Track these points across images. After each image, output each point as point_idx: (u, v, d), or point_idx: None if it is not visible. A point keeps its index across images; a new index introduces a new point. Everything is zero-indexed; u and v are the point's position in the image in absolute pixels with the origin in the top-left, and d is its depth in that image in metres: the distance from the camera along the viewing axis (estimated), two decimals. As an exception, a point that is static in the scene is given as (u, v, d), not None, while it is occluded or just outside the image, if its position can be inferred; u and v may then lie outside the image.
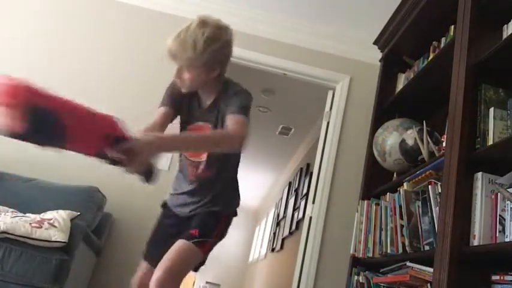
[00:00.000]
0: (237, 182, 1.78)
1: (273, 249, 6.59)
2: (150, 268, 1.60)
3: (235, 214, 1.80)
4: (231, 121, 1.46)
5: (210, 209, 1.67)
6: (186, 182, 1.72)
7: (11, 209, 2.38)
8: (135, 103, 3.24)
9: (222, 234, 1.71)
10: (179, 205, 1.75)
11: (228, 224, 1.74)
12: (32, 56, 3.26)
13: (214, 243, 1.63)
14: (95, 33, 3.36)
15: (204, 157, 1.64)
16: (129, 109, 3.29)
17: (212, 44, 1.58)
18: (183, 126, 1.70)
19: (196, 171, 1.67)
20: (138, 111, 3.25)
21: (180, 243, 1.51)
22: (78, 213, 2.39)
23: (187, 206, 1.71)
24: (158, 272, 1.43)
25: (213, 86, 1.65)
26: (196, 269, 1.63)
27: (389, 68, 2.77)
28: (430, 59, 2.30)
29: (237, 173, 1.77)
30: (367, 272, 2.27)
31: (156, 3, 3.43)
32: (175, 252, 1.48)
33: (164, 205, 1.85)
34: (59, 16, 3.38)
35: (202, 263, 1.63)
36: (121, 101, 3.23)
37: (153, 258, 1.59)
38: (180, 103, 1.68)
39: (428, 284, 1.64)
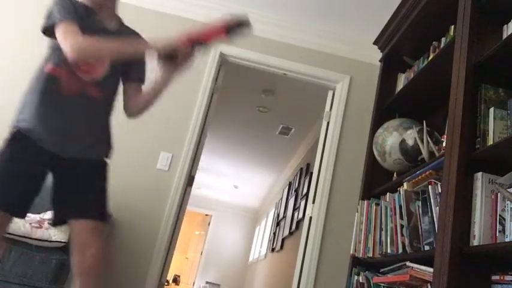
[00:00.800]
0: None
1: (273, 249, 6.60)
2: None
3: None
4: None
5: (100, 157, 1.58)
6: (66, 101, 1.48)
7: (11, 209, 2.38)
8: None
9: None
10: (58, 133, 1.47)
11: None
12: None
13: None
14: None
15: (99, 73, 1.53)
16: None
17: None
18: None
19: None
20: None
21: (94, 226, 1.51)
22: (78, 213, 2.39)
23: (75, 139, 1.50)
24: (90, 260, 1.43)
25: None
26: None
27: (389, 68, 2.77)
28: (430, 59, 2.30)
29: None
30: (367, 272, 2.27)
31: (155, 3, 3.43)
32: (97, 238, 1.48)
33: (18, 135, 1.48)
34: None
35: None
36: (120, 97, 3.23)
37: (15, 208, 1.46)
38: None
39: (428, 284, 1.64)
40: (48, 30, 1.50)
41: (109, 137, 1.63)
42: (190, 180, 3.17)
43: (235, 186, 9.01)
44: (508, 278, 1.36)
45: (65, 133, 1.49)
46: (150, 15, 3.42)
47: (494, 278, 1.40)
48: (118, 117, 3.27)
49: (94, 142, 1.56)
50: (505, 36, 1.68)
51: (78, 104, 1.49)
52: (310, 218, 3.17)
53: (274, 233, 6.77)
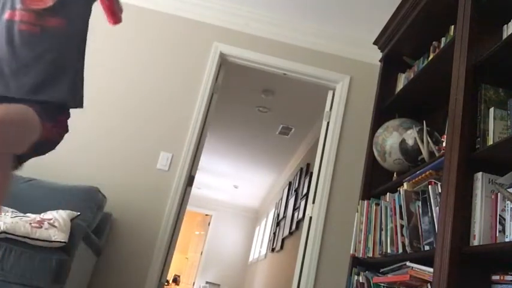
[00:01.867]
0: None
1: (273, 249, 6.60)
2: None
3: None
4: None
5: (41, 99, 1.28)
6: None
7: (11, 209, 2.38)
8: (136, 99, 3.25)
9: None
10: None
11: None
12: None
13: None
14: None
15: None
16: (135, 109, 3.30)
17: None
18: None
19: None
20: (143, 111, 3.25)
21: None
22: (78, 213, 2.39)
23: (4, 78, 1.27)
24: None
25: None
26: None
27: (389, 68, 2.77)
28: (430, 59, 2.30)
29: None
30: (367, 272, 2.27)
31: (155, 3, 3.43)
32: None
33: None
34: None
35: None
36: (124, 100, 3.23)
37: None
38: None
39: (428, 284, 1.64)
40: None
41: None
42: (190, 180, 3.17)
43: (235, 186, 9.01)
44: (508, 278, 1.36)
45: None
46: (149, 15, 3.42)
47: (494, 278, 1.40)
48: (117, 117, 3.28)
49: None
50: (505, 36, 1.69)
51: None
52: (310, 218, 3.17)
53: (274, 233, 6.77)
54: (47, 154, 3.31)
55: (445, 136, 1.81)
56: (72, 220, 2.30)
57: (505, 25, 1.72)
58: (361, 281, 2.27)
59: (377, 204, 2.28)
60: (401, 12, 2.49)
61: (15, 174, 1.19)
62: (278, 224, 6.55)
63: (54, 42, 1.30)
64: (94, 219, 2.63)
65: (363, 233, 2.32)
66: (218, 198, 10.40)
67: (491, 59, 1.63)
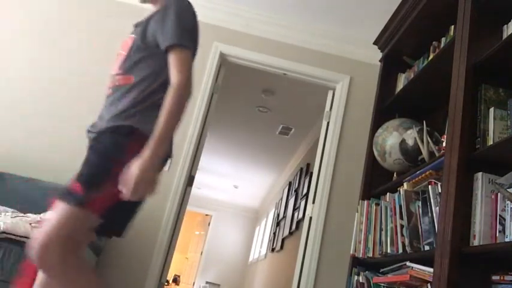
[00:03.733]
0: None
1: (273, 249, 6.60)
2: None
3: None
4: (171, 63, 1.36)
5: (106, 126, 1.36)
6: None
7: (11, 209, 2.38)
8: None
9: (118, 163, 1.30)
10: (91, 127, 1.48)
11: (122, 148, 1.35)
12: (33, 56, 3.27)
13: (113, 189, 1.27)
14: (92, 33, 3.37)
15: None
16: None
17: None
18: None
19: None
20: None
21: (54, 209, 1.22)
22: (78, 213, 2.39)
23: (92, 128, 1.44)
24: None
25: (159, 3, 1.51)
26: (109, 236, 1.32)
27: (389, 68, 2.77)
28: (430, 59, 2.30)
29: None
30: (367, 272, 2.27)
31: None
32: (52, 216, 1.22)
33: None
34: (60, 17, 3.39)
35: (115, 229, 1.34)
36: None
37: None
38: None
39: (428, 284, 1.64)
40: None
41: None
42: (190, 180, 3.17)
43: (235, 186, 9.01)
44: (508, 278, 1.36)
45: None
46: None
47: (494, 278, 1.40)
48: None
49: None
50: (505, 36, 1.69)
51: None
52: (310, 218, 3.17)
53: (274, 233, 6.77)
54: (47, 154, 3.31)
55: (445, 136, 1.81)
56: (72, 220, 2.30)
57: (505, 25, 1.72)
58: (361, 281, 2.27)
59: (377, 204, 2.28)
60: (401, 12, 2.49)
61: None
62: (278, 224, 6.55)
63: (116, 96, 1.42)
64: (94, 219, 2.63)
65: (363, 233, 2.32)
66: (218, 198, 10.39)
67: (491, 59, 1.63)
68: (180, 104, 1.32)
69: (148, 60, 1.42)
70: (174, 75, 1.34)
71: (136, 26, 1.57)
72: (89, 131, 1.50)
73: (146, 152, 1.27)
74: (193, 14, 1.45)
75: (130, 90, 1.40)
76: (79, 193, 1.23)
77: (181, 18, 1.39)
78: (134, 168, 1.25)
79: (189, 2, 1.46)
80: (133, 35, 1.51)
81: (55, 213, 1.21)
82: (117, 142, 1.35)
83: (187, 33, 1.39)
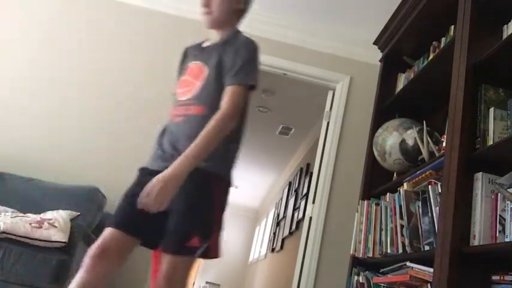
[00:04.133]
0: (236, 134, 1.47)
1: (273, 249, 6.60)
2: (118, 234, 1.37)
3: (230, 181, 1.41)
4: (227, 93, 1.40)
5: (198, 167, 1.31)
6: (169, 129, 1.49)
7: (11, 209, 2.38)
8: (136, 99, 3.25)
9: (222, 208, 1.36)
10: (158, 158, 1.45)
11: (225, 193, 1.39)
12: (33, 56, 3.27)
13: (219, 231, 1.33)
14: (93, 33, 3.37)
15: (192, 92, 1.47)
16: (130, 99, 3.30)
17: None
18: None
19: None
20: (138, 103, 3.26)
21: (176, 263, 1.28)
22: (78, 213, 2.39)
23: (171, 159, 1.35)
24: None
25: (225, 29, 1.59)
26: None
27: (389, 68, 2.77)
28: (430, 59, 2.30)
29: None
30: (367, 272, 2.27)
31: (155, 2, 3.43)
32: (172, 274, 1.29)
33: (140, 169, 1.50)
34: (61, 18, 3.39)
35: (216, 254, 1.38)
36: (124, 100, 3.23)
37: (127, 225, 1.38)
38: (180, 74, 1.62)
39: (428, 284, 1.64)
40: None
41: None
42: (190, 180, 3.16)
43: (235, 186, 9.01)
44: (508, 278, 1.36)
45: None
46: (149, 15, 3.42)
47: (494, 278, 1.40)
48: (117, 117, 3.28)
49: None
50: (505, 36, 1.69)
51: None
52: (310, 218, 3.16)
53: (274, 233, 6.77)
54: (46, 154, 3.32)
55: (445, 136, 1.81)
56: (72, 220, 2.31)
57: (505, 25, 1.72)
58: (361, 281, 2.27)
59: (377, 204, 2.28)
60: (401, 12, 2.49)
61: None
62: (278, 224, 6.54)
63: (193, 126, 1.40)
64: (94, 219, 2.63)
65: (363, 233, 2.32)
66: (218, 198, 10.38)
67: (491, 59, 1.63)
68: (221, 130, 1.34)
69: (221, 94, 1.44)
70: (225, 103, 1.38)
71: (198, 52, 1.60)
72: (164, 159, 1.42)
73: (175, 167, 1.27)
74: (258, 54, 1.51)
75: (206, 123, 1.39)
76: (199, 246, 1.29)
77: (250, 60, 1.46)
78: (158, 181, 1.25)
79: (255, 41, 1.53)
80: (199, 63, 1.53)
81: (182, 263, 1.30)
82: (213, 187, 1.37)
83: (252, 73, 1.46)
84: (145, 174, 1.40)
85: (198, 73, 1.50)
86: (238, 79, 1.42)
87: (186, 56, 1.67)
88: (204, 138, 1.31)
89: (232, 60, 1.45)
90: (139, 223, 1.36)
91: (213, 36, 1.62)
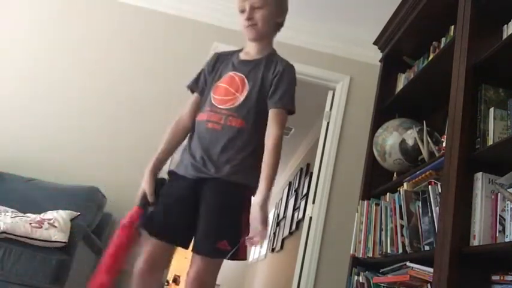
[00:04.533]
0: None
1: (273, 250, 6.59)
2: (161, 245, 1.44)
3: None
4: (271, 117, 1.50)
5: (230, 180, 1.43)
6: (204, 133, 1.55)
7: (11, 209, 2.38)
8: (136, 99, 3.25)
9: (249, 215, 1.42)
10: (190, 166, 1.51)
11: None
12: (33, 55, 3.27)
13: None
14: (93, 33, 3.37)
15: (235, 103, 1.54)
16: (129, 99, 3.30)
17: None
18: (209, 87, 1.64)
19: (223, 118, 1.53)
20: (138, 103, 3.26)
21: (204, 264, 1.38)
22: (78, 213, 2.39)
23: (204, 167, 1.46)
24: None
25: (265, 43, 1.69)
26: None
27: (389, 68, 2.77)
28: (430, 59, 2.30)
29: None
30: (367, 272, 2.27)
31: (156, 2, 3.43)
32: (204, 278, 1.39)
33: (170, 174, 1.59)
34: (60, 18, 3.39)
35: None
36: (124, 99, 3.24)
37: (168, 234, 1.44)
38: (212, 78, 1.67)
39: (428, 284, 1.64)
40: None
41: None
42: (190, 180, 3.16)
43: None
44: (508, 278, 1.36)
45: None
46: (149, 15, 3.42)
47: (494, 278, 1.40)
48: (117, 117, 3.28)
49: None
50: (505, 36, 1.69)
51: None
52: (310, 218, 3.16)
53: (274, 233, 6.77)
54: (46, 154, 3.32)
55: (445, 136, 1.81)
56: (72, 220, 2.30)
57: (505, 25, 1.72)
58: (361, 281, 2.27)
59: (377, 205, 2.28)
60: (401, 12, 2.49)
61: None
62: (278, 224, 6.54)
63: (230, 137, 1.50)
64: (94, 219, 2.63)
65: (363, 233, 2.32)
66: (218, 198, 10.37)
67: (491, 59, 1.63)
68: (279, 151, 1.46)
69: (261, 111, 1.54)
70: (274, 128, 1.49)
71: (238, 63, 1.63)
72: (196, 168, 1.50)
73: (263, 195, 1.38)
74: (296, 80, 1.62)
75: (244, 137, 1.50)
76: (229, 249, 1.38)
77: (292, 86, 1.58)
78: (260, 212, 1.36)
79: (293, 65, 1.64)
80: (242, 76, 1.58)
81: (212, 265, 1.40)
82: (243, 197, 1.46)
83: (293, 99, 1.58)
84: (178, 179, 1.51)
85: (240, 86, 1.57)
86: (284, 103, 1.53)
87: (219, 62, 1.71)
88: (273, 161, 1.44)
89: (276, 83, 1.55)
90: (177, 230, 1.44)
91: (250, 49, 1.69)
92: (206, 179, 1.46)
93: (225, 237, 1.37)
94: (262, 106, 1.53)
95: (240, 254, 1.38)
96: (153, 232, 1.44)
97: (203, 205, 1.43)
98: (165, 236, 1.44)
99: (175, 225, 1.44)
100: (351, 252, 2.43)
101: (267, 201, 1.38)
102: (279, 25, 1.74)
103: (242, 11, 1.60)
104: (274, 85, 1.54)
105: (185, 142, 1.64)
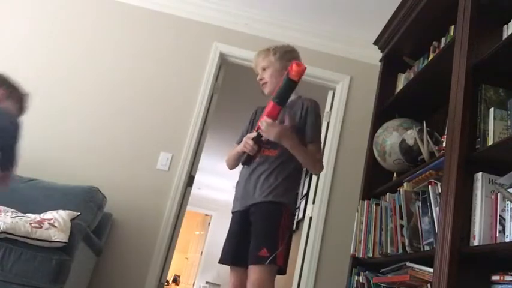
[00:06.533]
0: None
1: (273, 249, 6.58)
2: (239, 272, 1.73)
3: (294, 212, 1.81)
4: (313, 148, 1.79)
5: (269, 200, 1.70)
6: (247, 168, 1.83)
7: (11, 209, 2.38)
8: (136, 99, 3.25)
9: (289, 232, 1.70)
10: (240, 197, 1.83)
11: (290, 218, 1.75)
12: (34, 56, 3.27)
13: (287, 248, 1.69)
14: (94, 33, 3.37)
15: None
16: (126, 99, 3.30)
17: (284, 53, 2.10)
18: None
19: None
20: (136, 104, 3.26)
21: (253, 272, 1.61)
22: (78, 213, 2.39)
23: (248, 196, 1.77)
24: None
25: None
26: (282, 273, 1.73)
27: (390, 68, 2.77)
28: (430, 59, 2.30)
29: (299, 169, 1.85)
30: (367, 272, 2.27)
31: (156, 3, 3.43)
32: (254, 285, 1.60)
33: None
34: (60, 17, 3.39)
35: (284, 270, 1.71)
36: (124, 99, 3.24)
37: (236, 262, 1.74)
38: (250, 127, 1.97)
39: (428, 284, 1.64)
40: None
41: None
42: (190, 180, 3.17)
43: (235, 186, 8.99)
44: (508, 278, 1.36)
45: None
46: (149, 15, 3.42)
47: (494, 278, 1.40)
48: (117, 117, 3.27)
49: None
50: (505, 36, 1.68)
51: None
52: (310, 218, 3.16)
53: (274, 233, 6.76)
54: (46, 154, 3.31)
55: (445, 136, 1.81)
56: (72, 220, 2.30)
57: (505, 25, 1.72)
58: (361, 281, 2.27)
59: (377, 204, 2.28)
60: (401, 12, 2.49)
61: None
62: (278, 224, 6.53)
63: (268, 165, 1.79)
64: (94, 219, 2.63)
65: (363, 233, 2.32)
66: (218, 199, 10.38)
67: (491, 59, 1.63)
68: (311, 162, 1.79)
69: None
70: (317, 156, 1.82)
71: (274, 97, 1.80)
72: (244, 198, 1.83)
73: (292, 137, 1.73)
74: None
75: (278, 166, 1.76)
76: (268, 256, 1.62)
77: (319, 120, 1.86)
78: (282, 126, 1.73)
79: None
80: (275, 104, 1.73)
81: (263, 273, 1.63)
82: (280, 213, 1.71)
83: (320, 132, 1.86)
84: (236, 214, 1.86)
85: (271, 112, 1.78)
86: (312, 139, 1.80)
87: (257, 115, 2.04)
88: (306, 152, 1.76)
89: (307, 121, 1.82)
90: (244, 253, 1.67)
91: None
92: (253, 204, 1.74)
93: (264, 246, 1.61)
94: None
95: (278, 261, 1.62)
96: (221, 261, 1.76)
97: (252, 226, 1.71)
98: (238, 263, 1.73)
99: (242, 251, 1.69)
100: (351, 252, 2.43)
101: (286, 131, 1.71)
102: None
103: (257, 74, 2.01)
104: (307, 122, 1.81)
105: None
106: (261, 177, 1.75)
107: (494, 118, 1.56)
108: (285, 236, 1.66)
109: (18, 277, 2.03)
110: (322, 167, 1.83)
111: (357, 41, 3.42)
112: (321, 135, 1.89)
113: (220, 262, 1.77)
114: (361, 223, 2.36)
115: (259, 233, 1.66)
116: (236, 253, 1.72)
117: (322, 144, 1.91)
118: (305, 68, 1.75)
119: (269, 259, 1.59)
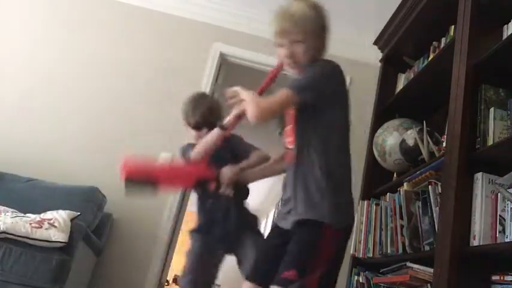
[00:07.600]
0: (346, 178, 1.60)
1: (273, 250, 6.58)
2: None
3: (349, 232, 1.45)
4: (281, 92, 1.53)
5: (301, 218, 1.40)
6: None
7: (11, 209, 2.38)
8: (136, 99, 3.25)
9: (333, 260, 1.39)
10: (279, 216, 1.59)
11: (339, 244, 1.41)
12: (35, 61, 3.27)
13: (327, 275, 1.36)
14: (94, 34, 3.37)
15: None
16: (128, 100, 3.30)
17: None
18: None
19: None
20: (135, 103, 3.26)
21: None
22: (78, 213, 2.39)
23: (285, 215, 1.52)
24: None
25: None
26: None
27: (390, 68, 2.77)
28: (430, 59, 2.29)
29: (343, 162, 1.64)
30: (367, 272, 2.27)
31: (156, 3, 3.43)
32: None
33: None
34: (59, 20, 3.39)
35: None
36: (124, 99, 3.24)
37: (262, 278, 1.45)
38: None
39: (428, 284, 1.64)
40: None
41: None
42: (190, 180, 3.16)
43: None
44: (508, 278, 1.36)
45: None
46: (149, 15, 3.42)
47: (494, 278, 1.40)
48: (117, 117, 3.27)
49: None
50: (505, 36, 1.68)
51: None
52: (310, 218, 3.15)
53: (274, 233, 6.76)
54: (46, 154, 3.31)
55: (445, 136, 1.81)
56: (72, 220, 2.31)
57: (505, 25, 1.72)
58: (361, 281, 2.27)
59: (377, 205, 2.27)
60: (401, 12, 2.49)
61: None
62: (278, 224, 6.53)
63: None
64: (94, 219, 2.63)
65: (363, 233, 2.32)
66: (218, 198, 10.37)
67: (491, 59, 1.63)
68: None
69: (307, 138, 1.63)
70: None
71: None
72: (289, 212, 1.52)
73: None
74: (331, 78, 1.60)
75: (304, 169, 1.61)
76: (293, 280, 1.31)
77: (315, 78, 1.54)
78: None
79: (334, 67, 1.60)
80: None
81: None
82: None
83: (309, 89, 1.53)
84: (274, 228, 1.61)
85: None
86: (289, 84, 1.55)
87: None
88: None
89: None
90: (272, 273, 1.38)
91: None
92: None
93: (292, 267, 1.30)
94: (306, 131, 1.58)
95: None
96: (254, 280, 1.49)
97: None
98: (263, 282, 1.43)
99: (271, 270, 1.41)
100: (351, 252, 2.43)
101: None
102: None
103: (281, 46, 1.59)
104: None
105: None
106: (289, 183, 1.65)
107: (494, 118, 1.56)
108: (323, 265, 1.38)
109: (18, 277, 2.03)
110: (259, 115, 1.50)
111: (357, 41, 3.42)
112: (310, 95, 1.54)
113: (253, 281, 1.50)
114: (361, 223, 2.36)
115: (291, 252, 1.41)
116: (271, 273, 1.47)
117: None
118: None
119: (293, 285, 1.32)
